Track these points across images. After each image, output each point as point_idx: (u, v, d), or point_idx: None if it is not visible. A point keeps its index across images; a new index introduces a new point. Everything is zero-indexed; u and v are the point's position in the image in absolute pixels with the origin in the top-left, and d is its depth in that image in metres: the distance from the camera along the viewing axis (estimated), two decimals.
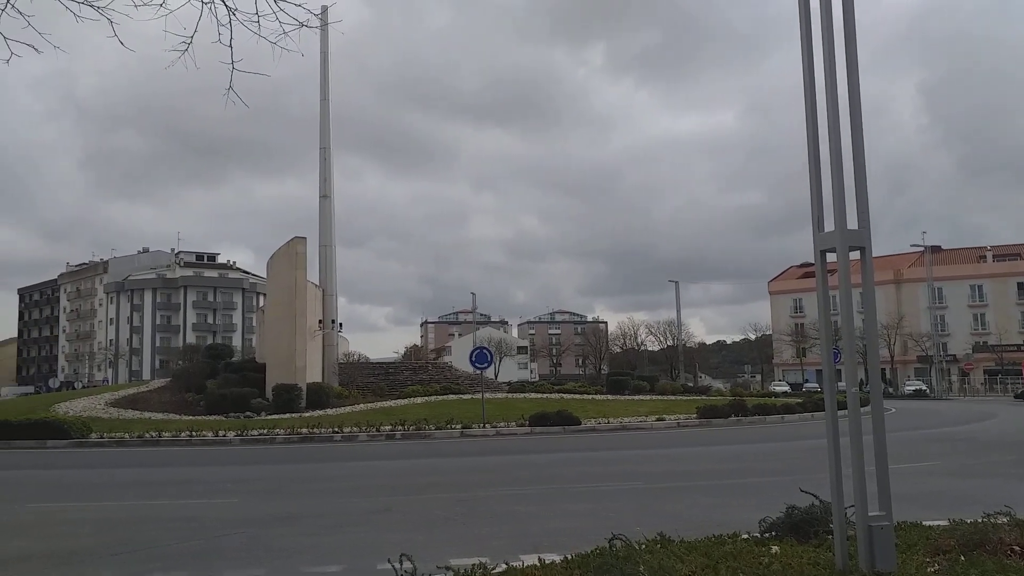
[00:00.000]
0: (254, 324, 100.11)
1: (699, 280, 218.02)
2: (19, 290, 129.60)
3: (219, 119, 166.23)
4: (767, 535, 7.02)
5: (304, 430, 24.55)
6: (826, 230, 5.81)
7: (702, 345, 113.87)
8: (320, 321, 33.86)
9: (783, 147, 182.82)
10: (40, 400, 40.97)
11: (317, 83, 35.34)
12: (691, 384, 62.89)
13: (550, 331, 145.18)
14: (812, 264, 9.25)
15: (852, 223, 5.68)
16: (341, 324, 36.85)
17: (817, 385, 71.60)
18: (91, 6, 4.49)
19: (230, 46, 4.68)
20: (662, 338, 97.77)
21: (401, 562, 4.75)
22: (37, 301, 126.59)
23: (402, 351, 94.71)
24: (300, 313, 31.15)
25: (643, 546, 6.31)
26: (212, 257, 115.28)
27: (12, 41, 4.69)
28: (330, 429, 24.73)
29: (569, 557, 6.30)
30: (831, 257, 5.90)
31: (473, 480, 14.69)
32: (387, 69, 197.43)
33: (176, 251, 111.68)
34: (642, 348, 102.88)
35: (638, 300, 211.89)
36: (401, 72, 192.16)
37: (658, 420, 28.68)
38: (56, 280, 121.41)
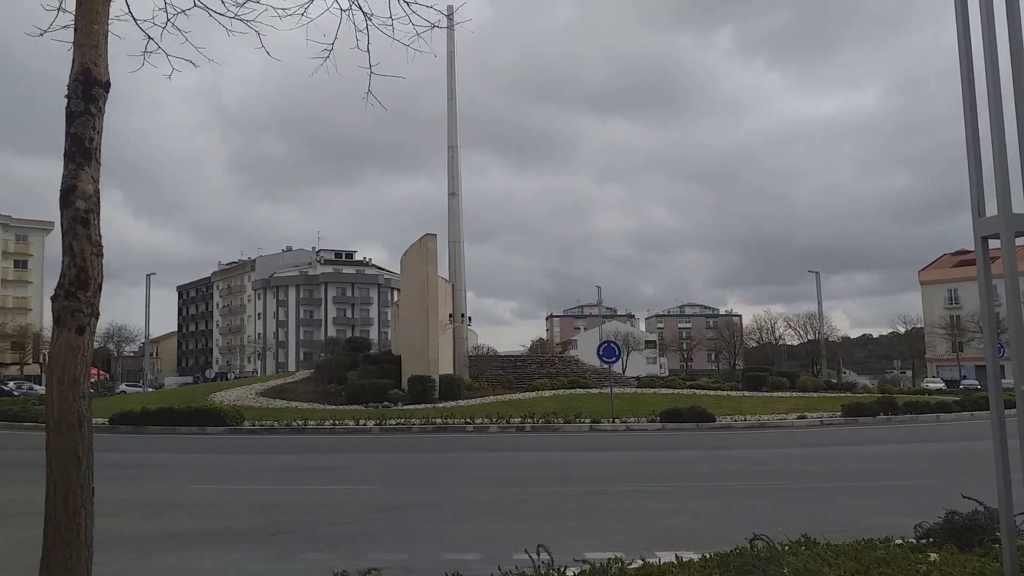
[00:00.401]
0: (389, 318, 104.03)
1: (841, 270, 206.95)
2: (178, 287, 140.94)
3: (355, 123, 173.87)
4: (923, 541, 6.54)
5: (438, 420, 25.29)
6: (987, 214, 5.33)
7: (846, 339, 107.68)
8: (450, 315, 34.72)
9: (930, 126, 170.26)
10: (198, 390, 44.39)
11: (444, 84, 36.23)
12: (834, 380, 59.70)
13: (680, 325, 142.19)
14: (969, 251, 8.55)
15: (1018, 206, 5.19)
16: (470, 318, 37.64)
17: (977, 382, 66.24)
18: (241, 20, 4.79)
19: (367, 51, 4.87)
20: (801, 332, 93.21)
21: (538, 553, 4.77)
22: (193, 298, 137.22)
23: (528, 344, 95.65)
24: (432, 307, 32.07)
25: (786, 547, 6.05)
26: (350, 255, 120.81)
27: (173, 57, 5.07)
28: (462, 420, 25.34)
29: (708, 556, 6.13)
30: (993, 243, 5.42)
31: (605, 475, 14.63)
32: (510, 66, 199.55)
33: (317, 249, 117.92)
34: (780, 342, 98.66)
35: (774, 292, 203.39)
36: (524, 68, 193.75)
37: (799, 418, 27.45)
38: (210, 278, 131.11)
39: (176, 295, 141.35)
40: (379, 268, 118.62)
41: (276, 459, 18.19)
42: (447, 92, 36.26)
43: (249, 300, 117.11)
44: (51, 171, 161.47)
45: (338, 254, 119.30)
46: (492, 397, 31.39)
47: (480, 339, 42.68)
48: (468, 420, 25.35)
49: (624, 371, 58.60)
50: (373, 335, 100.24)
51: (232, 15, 4.77)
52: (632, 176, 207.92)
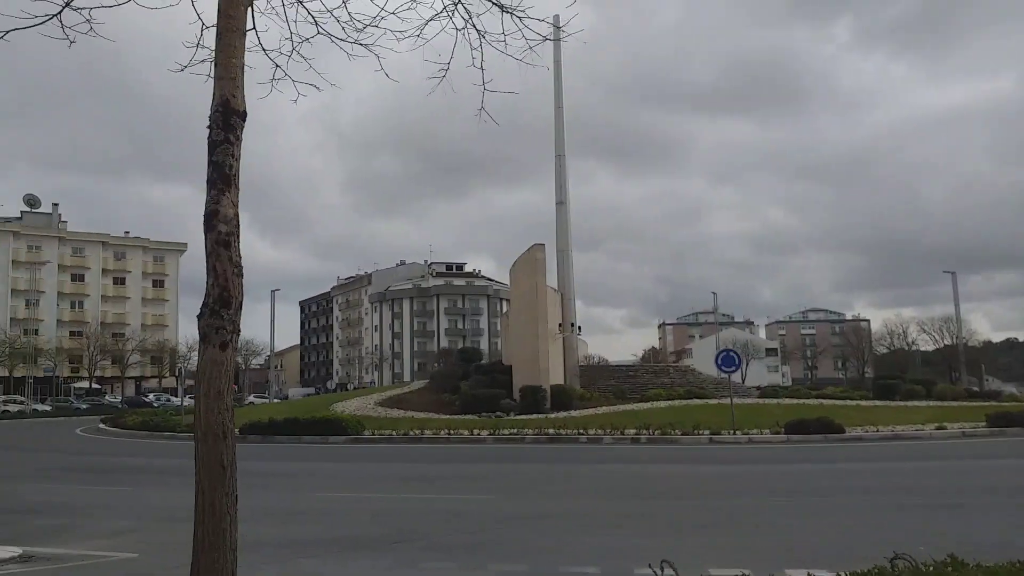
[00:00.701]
0: (498, 328, 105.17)
1: (980, 269, 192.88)
2: (300, 302, 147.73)
3: (463, 137, 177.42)
4: None
5: (551, 431, 25.29)
6: None
7: (988, 344, 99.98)
8: (560, 324, 34.73)
9: None
10: (320, 400, 46.29)
11: (549, 93, 36.44)
12: (976, 388, 55.64)
13: (802, 331, 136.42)
14: None
15: None
16: (580, 327, 37.51)
17: None
18: (362, 44, 4.97)
19: (481, 67, 4.96)
20: (937, 336, 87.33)
21: (662, 568, 4.65)
22: (315, 312, 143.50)
23: (639, 354, 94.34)
24: (541, 317, 32.19)
25: (930, 568, 5.65)
26: (460, 266, 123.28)
27: (298, 83, 5.32)
28: (575, 431, 25.23)
29: (842, 575, 5.81)
30: None
31: (726, 488, 14.19)
32: (617, 70, 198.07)
33: (428, 262, 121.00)
34: (913, 348, 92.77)
35: (904, 294, 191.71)
36: (631, 71, 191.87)
37: (937, 428, 25.68)
38: (329, 293, 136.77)
39: (299, 310, 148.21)
40: (488, 279, 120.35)
41: (395, 468, 18.68)
42: (554, 101, 36.43)
43: (366, 313, 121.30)
44: (182, 195, 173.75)
45: (449, 266, 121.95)
46: (604, 408, 31.11)
47: (590, 349, 42.41)
48: (581, 431, 25.21)
49: (743, 381, 56.72)
50: (483, 345, 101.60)
51: (352, 40, 4.96)
52: (746, 176, 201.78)
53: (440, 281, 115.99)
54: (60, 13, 4.36)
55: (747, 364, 75.30)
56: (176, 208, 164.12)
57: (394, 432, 26.59)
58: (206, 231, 3.70)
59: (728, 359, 27.36)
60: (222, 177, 3.70)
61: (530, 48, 5.19)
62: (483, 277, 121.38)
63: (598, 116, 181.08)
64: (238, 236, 3.73)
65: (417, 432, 26.20)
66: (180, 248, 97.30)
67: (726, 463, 18.65)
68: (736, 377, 35.67)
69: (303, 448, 24.19)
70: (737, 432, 24.51)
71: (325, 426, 26.89)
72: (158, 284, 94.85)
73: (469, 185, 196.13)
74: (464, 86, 5.64)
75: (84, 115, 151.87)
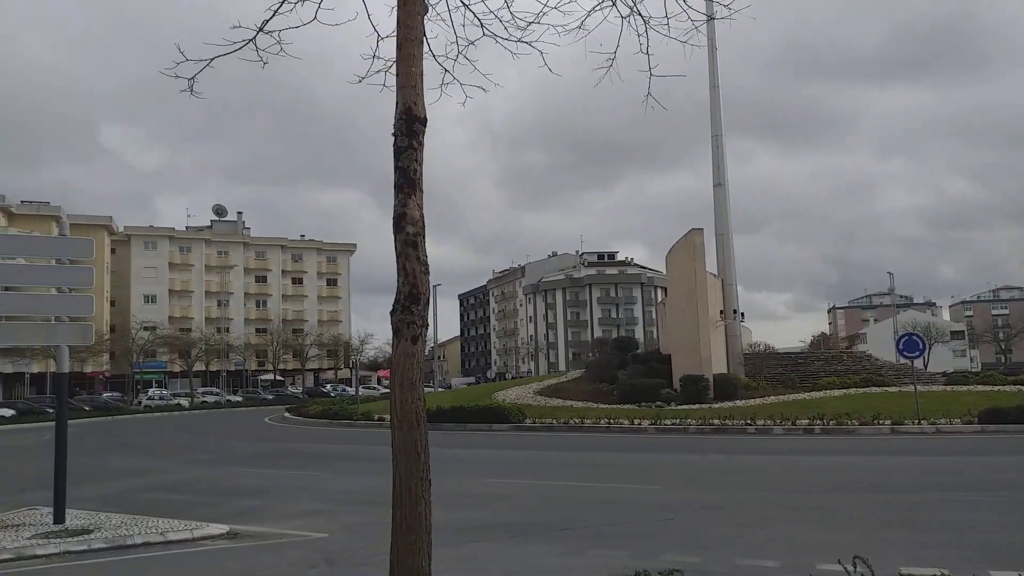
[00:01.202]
0: (654, 316, 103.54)
1: None
2: (459, 296, 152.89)
3: (611, 125, 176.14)
4: None
5: (716, 421, 24.65)
6: None
7: None
8: (721, 311, 33.68)
9: None
10: (482, 389, 47.68)
11: (701, 72, 35.28)
12: None
13: (993, 311, 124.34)
14: None
15: None
16: (743, 314, 36.13)
17: None
18: (525, 42, 5.09)
19: (647, 53, 4.92)
20: None
21: (855, 564, 4.41)
22: (473, 304, 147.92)
23: (807, 340, 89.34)
24: (701, 304, 31.36)
25: None
26: (612, 255, 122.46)
27: (465, 85, 5.51)
28: (742, 421, 24.43)
29: None
30: None
31: (912, 482, 13.25)
32: (771, 43, 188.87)
33: (580, 252, 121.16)
34: None
35: None
36: (788, 43, 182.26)
37: None
38: (486, 286, 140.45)
39: (457, 303, 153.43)
40: (641, 267, 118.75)
41: (558, 456, 18.93)
42: (709, 80, 35.24)
43: (520, 305, 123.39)
44: (349, 200, 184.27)
45: (600, 256, 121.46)
46: (772, 397, 29.88)
47: (754, 336, 40.74)
48: (749, 421, 24.37)
49: (926, 367, 52.54)
50: (638, 334, 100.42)
51: (516, 39, 5.08)
52: (921, 146, 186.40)
53: (592, 271, 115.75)
54: (255, 38, 4.78)
55: (930, 349, 69.60)
56: (344, 212, 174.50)
57: (555, 421, 26.92)
58: (395, 233, 3.94)
59: (911, 343, 25.42)
60: (408, 181, 3.93)
61: (695, 28, 5.11)
62: (636, 265, 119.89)
63: (754, 93, 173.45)
64: (424, 236, 3.95)
65: (577, 421, 26.38)
66: (350, 249, 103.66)
67: (911, 454, 17.38)
68: (919, 363, 33.10)
69: (469, 435, 25.05)
70: (922, 422, 22.75)
71: (489, 414, 27.69)
72: (331, 283, 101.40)
73: (619, 173, 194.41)
74: (613, 75, 5.62)
75: (262, 130, 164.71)
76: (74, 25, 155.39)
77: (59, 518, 10.22)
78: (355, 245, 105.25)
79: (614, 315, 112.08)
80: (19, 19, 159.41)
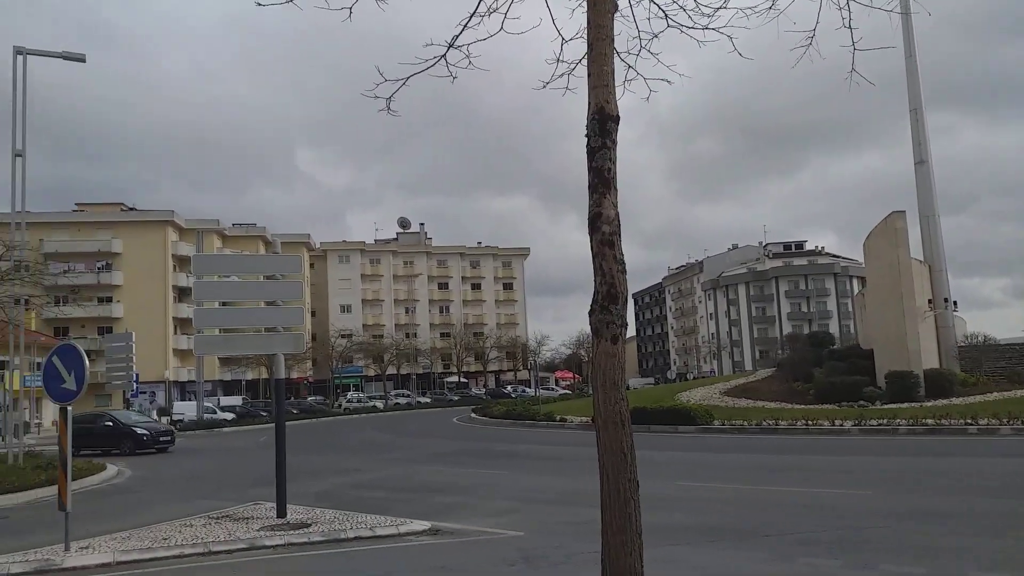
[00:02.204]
0: (850, 309, 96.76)
1: None
2: (633, 295, 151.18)
3: (789, 107, 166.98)
4: None
5: (929, 421, 22.55)
6: None
7: None
8: (929, 301, 30.82)
9: None
10: (663, 390, 46.80)
11: (892, 41, 32.49)
12: None
13: None
14: None
15: None
16: (955, 302, 32.81)
17: None
18: (712, 29, 4.90)
19: (849, 27, 4.58)
20: None
21: None
22: (648, 303, 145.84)
23: None
24: (906, 293, 28.90)
25: None
26: (799, 245, 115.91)
27: (650, 80, 5.40)
28: (961, 420, 22.17)
29: None
30: None
31: None
32: (969, 3, 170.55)
33: (763, 244, 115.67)
34: None
35: None
36: (986, 2, 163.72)
37: None
38: (661, 283, 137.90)
39: (632, 302, 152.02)
40: (833, 255, 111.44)
41: (750, 458, 18.15)
42: (904, 49, 32.37)
43: (700, 301, 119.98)
44: (519, 206, 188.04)
45: (786, 246, 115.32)
46: (995, 394, 26.86)
47: (969, 326, 36.84)
48: (969, 420, 22.04)
49: None
50: (833, 328, 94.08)
51: (703, 27, 4.91)
52: None
53: (778, 263, 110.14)
54: (446, 54, 4.96)
55: None
56: (515, 217, 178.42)
57: (745, 422, 25.86)
58: (591, 233, 3.93)
59: None
60: (602, 181, 3.91)
61: None
62: (827, 254, 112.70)
63: (951, 60, 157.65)
64: (620, 235, 3.91)
65: (771, 422, 25.18)
66: (524, 253, 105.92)
67: None
68: None
69: (653, 437, 24.66)
70: None
71: (674, 415, 27.11)
72: (507, 287, 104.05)
73: (800, 157, 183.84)
74: (780, 55, 5.27)
75: (439, 143, 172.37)
76: (270, 62, 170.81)
77: (281, 512, 11.18)
78: (528, 249, 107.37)
79: (805, 309, 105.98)
80: (225, 61, 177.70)
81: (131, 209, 75.64)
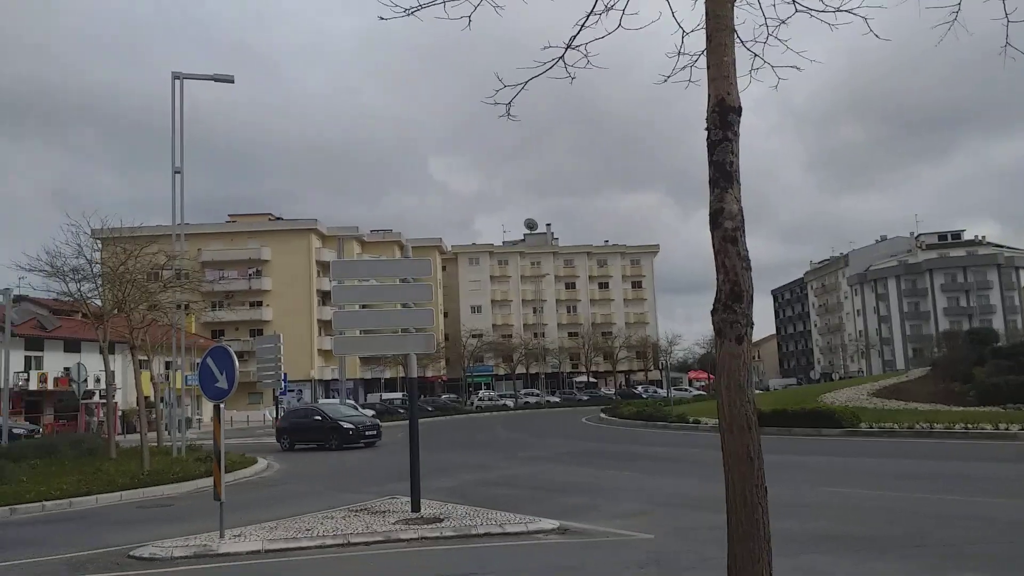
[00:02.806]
0: (1016, 303, 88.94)
1: None
2: (772, 291, 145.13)
3: (932, 87, 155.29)
4: None
5: None
6: None
7: None
8: None
9: None
10: (805, 391, 44.67)
11: None
12: None
13: None
14: None
15: None
16: None
17: None
18: (846, 11, 4.62)
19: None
20: None
21: None
22: (788, 300, 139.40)
23: None
24: None
25: None
26: (956, 235, 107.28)
27: (778, 67, 5.16)
28: None
29: None
30: None
31: None
32: None
33: (916, 235, 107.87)
34: None
35: None
36: None
37: None
38: (802, 278, 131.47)
39: (771, 299, 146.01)
40: (995, 245, 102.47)
41: (901, 464, 16.98)
42: None
43: (845, 297, 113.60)
44: (648, 202, 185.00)
45: (941, 236, 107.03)
46: None
47: None
48: None
49: None
50: (997, 324, 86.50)
51: (834, 9, 4.64)
52: None
53: (932, 254, 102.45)
54: (564, 55, 4.94)
55: None
56: (644, 214, 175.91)
57: (895, 425, 24.23)
58: (712, 229, 3.80)
59: None
60: (724, 175, 3.78)
61: None
62: (988, 244, 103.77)
63: None
64: (744, 231, 3.76)
65: (924, 426, 23.45)
66: (653, 250, 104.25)
67: None
68: None
69: (793, 440, 23.58)
70: None
71: (816, 418, 25.81)
72: (636, 285, 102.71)
73: (951, 141, 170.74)
74: (925, 33, 4.85)
75: (564, 143, 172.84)
76: (401, 74, 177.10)
77: (415, 507, 11.56)
78: (658, 246, 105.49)
79: (963, 303, 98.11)
80: (361, 74, 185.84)
81: (278, 219, 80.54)
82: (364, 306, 13.50)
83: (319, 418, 27.80)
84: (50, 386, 47.50)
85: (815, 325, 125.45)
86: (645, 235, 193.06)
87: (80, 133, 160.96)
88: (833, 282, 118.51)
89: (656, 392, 71.30)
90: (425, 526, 10.40)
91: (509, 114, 5.58)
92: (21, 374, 44.98)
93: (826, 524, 10.03)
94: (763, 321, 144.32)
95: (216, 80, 22.35)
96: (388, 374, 77.34)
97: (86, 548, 10.04)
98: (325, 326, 72.97)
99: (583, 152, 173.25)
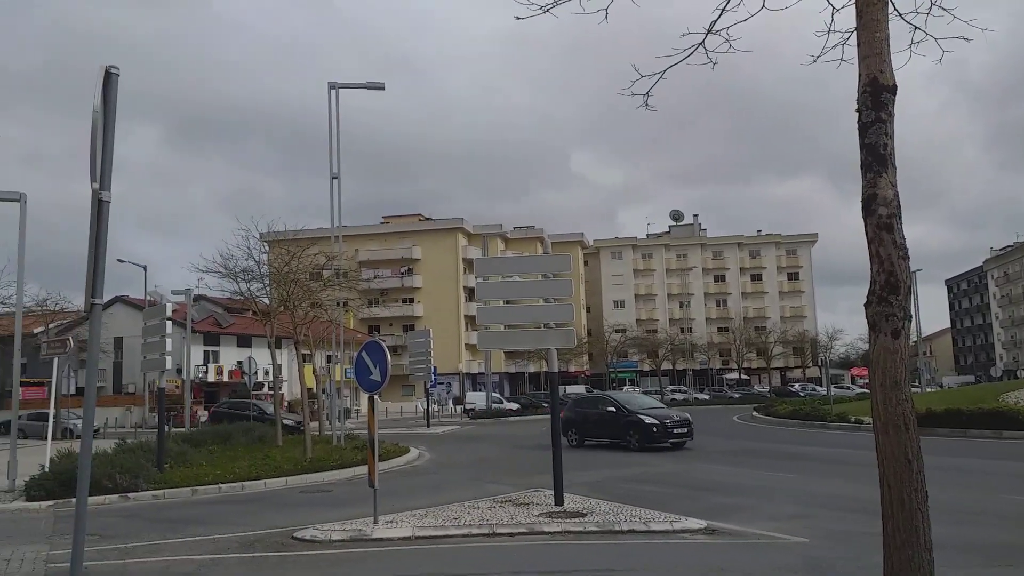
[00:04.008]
0: None
1: None
2: (946, 281, 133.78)
3: None
4: None
5: None
6: None
7: None
8: None
9: None
10: (984, 390, 40.83)
11: None
12: None
13: None
14: None
15: None
16: None
17: None
18: None
19: None
20: None
21: None
22: (964, 290, 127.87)
23: None
24: None
25: None
26: None
27: (941, 40, 4.74)
28: None
29: None
30: None
31: None
32: None
33: None
34: None
35: None
36: None
37: None
38: (981, 267, 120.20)
39: (945, 289, 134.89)
40: None
41: None
42: None
43: None
44: (805, 189, 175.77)
45: None
46: None
47: None
48: None
49: None
50: None
51: None
52: None
53: None
54: (704, 41, 4.80)
55: None
56: (801, 201, 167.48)
57: None
58: (865, 216, 3.56)
59: None
60: (877, 159, 3.52)
61: None
62: None
63: None
64: (900, 217, 3.49)
65: None
66: (810, 239, 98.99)
67: None
68: None
69: (970, 443, 21.70)
70: None
71: (996, 419, 23.60)
72: (792, 276, 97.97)
73: None
74: None
75: (711, 131, 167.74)
76: (543, 69, 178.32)
77: (559, 501, 11.63)
78: (816, 235, 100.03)
79: None
80: (503, 74, 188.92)
81: (428, 219, 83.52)
82: (508, 302, 13.72)
83: (613, 409, 23.45)
84: (225, 378, 51.93)
85: (996, 317, 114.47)
86: (802, 224, 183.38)
87: (248, 143, 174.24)
88: (1018, 270, 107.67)
89: (814, 390, 67.76)
90: (568, 520, 10.44)
91: (647, 104, 5.48)
92: (200, 367, 49.46)
93: (1008, 535, 9.17)
94: (937, 313, 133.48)
95: (368, 88, 23.44)
96: (532, 368, 78.24)
97: (255, 528, 10.87)
98: (471, 321, 74.83)
99: (733, 139, 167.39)
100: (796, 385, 77.89)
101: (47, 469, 15.02)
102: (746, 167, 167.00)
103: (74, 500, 5.75)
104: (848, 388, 69.23)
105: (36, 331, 40.84)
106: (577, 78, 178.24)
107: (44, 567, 8.61)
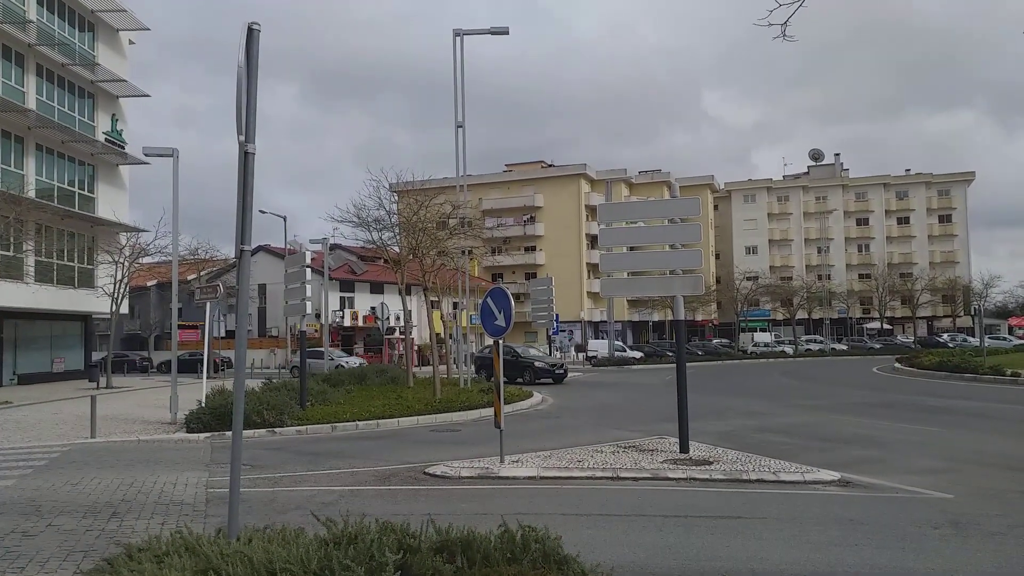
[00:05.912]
0: None
1: None
2: None
3: None
4: None
5: None
6: None
7: None
8: None
9: None
10: None
11: None
12: None
13: None
14: None
15: None
16: None
17: None
18: None
19: None
20: None
21: None
22: None
23: None
24: None
25: None
26: None
27: None
28: None
29: None
30: None
31: None
32: None
33: None
34: None
35: None
36: None
37: None
38: None
39: None
40: None
41: None
42: None
43: None
44: (960, 123, 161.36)
45: None
46: None
47: None
48: None
49: None
50: None
51: None
52: None
53: None
54: None
55: None
56: (956, 137, 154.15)
57: None
58: None
59: None
60: None
61: None
62: None
63: None
64: None
65: None
66: (967, 178, 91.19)
67: None
68: None
69: None
70: None
71: None
72: (944, 219, 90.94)
73: None
74: None
75: (856, 65, 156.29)
76: (671, 4, 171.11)
77: (684, 448, 11.53)
78: (973, 174, 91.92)
79: None
80: (630, 10, 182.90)
81: (550, 166, 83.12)
82: (632, 248, 13.50)
83: (512, 357, 31.77)
84: (360, 323, 54.57)
85: None
86: (956, 162, 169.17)
87: (380, 96, 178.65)
88: None
89: (965, 340, 63.30)
90: (694, 467, 10.35)
91: (785, 34, 5.15)
92: (337, 312, 52.14)
93: None
94: None
95: (492, 33, 23.33)
96: (656, 316, 77.15)
97: (390, 463, 11.46)
98: (593, 269, 74.46)
99: (884, 70, 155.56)
100: (945, 335, 72.90)
101: (203, 404, 16.39)
102: (894, 102, 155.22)
103: (228, 433, 6.23)
104: (1005, 339, 64.17)
105: (190, 278, 44.29)
106: (709, 12, 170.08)
107: (205, 492, 9.45)
